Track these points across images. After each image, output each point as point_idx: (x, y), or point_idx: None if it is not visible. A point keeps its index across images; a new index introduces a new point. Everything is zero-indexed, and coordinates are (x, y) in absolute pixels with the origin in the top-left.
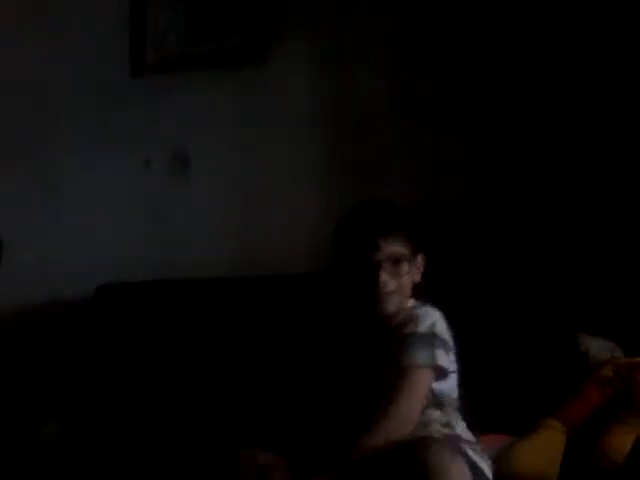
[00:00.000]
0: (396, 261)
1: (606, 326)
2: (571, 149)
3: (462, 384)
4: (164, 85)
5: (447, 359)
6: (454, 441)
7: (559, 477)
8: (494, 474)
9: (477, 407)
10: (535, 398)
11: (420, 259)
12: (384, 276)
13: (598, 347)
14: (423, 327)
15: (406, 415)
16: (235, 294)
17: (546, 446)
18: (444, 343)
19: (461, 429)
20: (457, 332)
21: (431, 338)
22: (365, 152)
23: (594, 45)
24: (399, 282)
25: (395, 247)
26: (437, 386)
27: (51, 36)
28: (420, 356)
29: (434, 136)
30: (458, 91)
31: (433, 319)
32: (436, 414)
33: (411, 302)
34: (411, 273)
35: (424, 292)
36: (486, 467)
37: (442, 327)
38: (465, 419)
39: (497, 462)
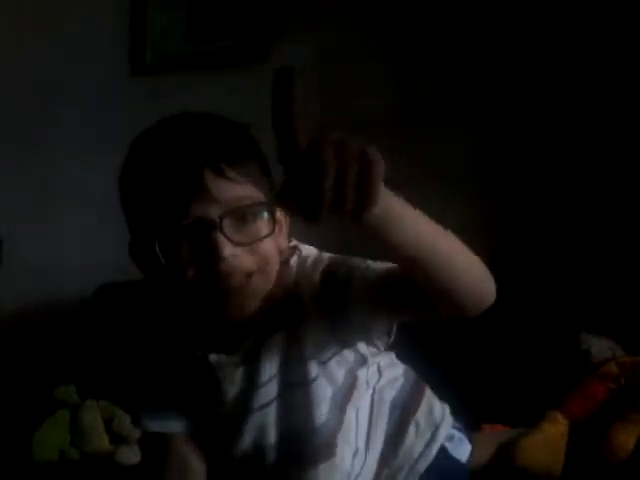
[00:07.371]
0: (245, 215)
1: (607, 325)
2: (573, 148)
3: (463, 382)
4: (164, 85)
5: None
6: None
7: (563, 472)
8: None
9: (478, 405)
10: (536, 397)
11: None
12: (228, 247)
13: (599, 346)
14: None
15: None
16: None
17: (550, 440)
18: None
19: None
20: (460, 331)
21: None
22: None
23: (598, 49)
24: (257, 253)
25: (241, 189)
26: None
27: (51, 36)
28: None
29: (435, 137)
30: (460, 92)
31: None
32: None
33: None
34: (274, 235)
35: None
36: None
37: None
38: (466, 415)
39: (501, 455)
